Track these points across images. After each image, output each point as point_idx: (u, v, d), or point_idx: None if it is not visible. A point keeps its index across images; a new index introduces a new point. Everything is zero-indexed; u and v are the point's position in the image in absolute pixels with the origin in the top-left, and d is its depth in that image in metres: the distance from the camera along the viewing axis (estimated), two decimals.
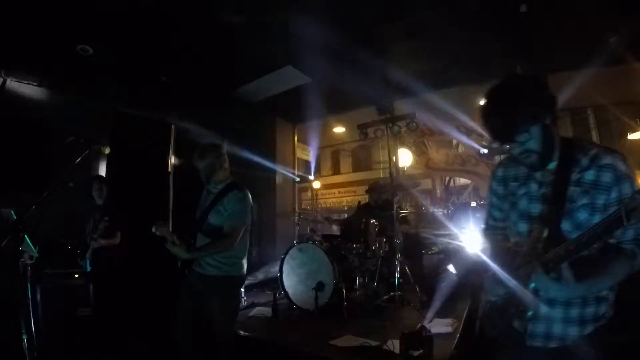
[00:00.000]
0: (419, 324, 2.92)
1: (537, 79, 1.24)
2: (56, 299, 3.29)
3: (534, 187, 1.31)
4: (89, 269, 3.44)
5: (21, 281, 2.46)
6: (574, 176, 1.20)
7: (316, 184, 8.86)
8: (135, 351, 3.19)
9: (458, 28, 4.21)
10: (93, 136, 4.39)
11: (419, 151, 7.32)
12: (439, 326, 3.08)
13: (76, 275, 3.60)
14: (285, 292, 4.23)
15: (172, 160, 5.56)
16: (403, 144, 7.02)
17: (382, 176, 11.28)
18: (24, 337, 2.33)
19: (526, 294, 1.20)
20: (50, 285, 3.31)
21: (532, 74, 1.26)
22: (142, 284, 3.86)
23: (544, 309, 1.21)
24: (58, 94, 4.34)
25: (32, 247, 2.49)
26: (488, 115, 1.25)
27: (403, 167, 7.52)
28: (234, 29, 4.13)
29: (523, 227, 1.32)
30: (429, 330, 2.69)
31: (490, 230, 1.56)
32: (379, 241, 4.46)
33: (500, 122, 1.21)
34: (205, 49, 4.51)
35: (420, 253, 4.93)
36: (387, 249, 4.50)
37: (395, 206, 4.59)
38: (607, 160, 1.16)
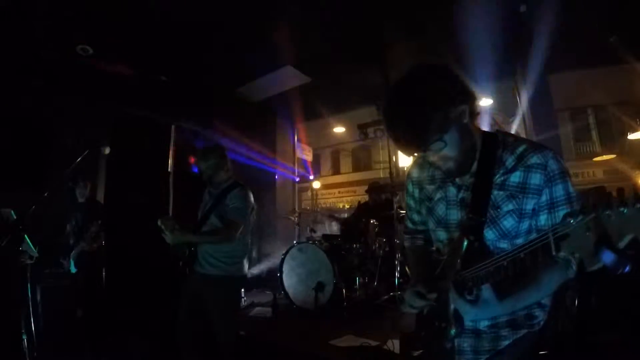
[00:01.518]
0: None
1: (445, 69, 1.00)
2: (56, 299, 3.29)
3: (452, 191, 1.13)
4: (73, 270, 3.43)
5: (21, 281, 2.46)
6: (498, 178, 1.03)
7: (316, 184, 8.86)
8: (133, 351, 3.19)
9: (458, 28, 4.21)
10: (93, 136, 4.41)
11: None
12: None
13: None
14: (285, 292, 4.23)
15: (172, 160, 5.56)
16: None
17: (382, 176, 11.30)
18: (24, 337, 2.33)
19: (447, 310, 1.04)
20: (50, 285, 3.31)
21: (438, 63, 1.01)
22: (141, 283, 3.85)
23: (469, 323, 1.03)
24: (58, 94, 4.34)
25: (32, 247, 2.49)
26: (390, 124, 1.01)
27: (403, 167, 7.50)
28: (234, 28, 4.14)
29: (442, 235, 1.17)
30: None
31: (410, 235, 1.41)
32: (379, 241, 4.47)
33: (405, 133, 0.97)
34: (206, 49, 4.51)
35: None
36: (387, 249, 4.50)
37: (395, 206, 4.59)
38: (535, 159, 1.00)
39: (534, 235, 0.94)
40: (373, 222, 4.49)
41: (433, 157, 1.04)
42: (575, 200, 0.98)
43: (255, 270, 5.60)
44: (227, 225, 2.20)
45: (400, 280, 4.24)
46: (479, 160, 1.06)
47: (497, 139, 1.07)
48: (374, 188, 5.33)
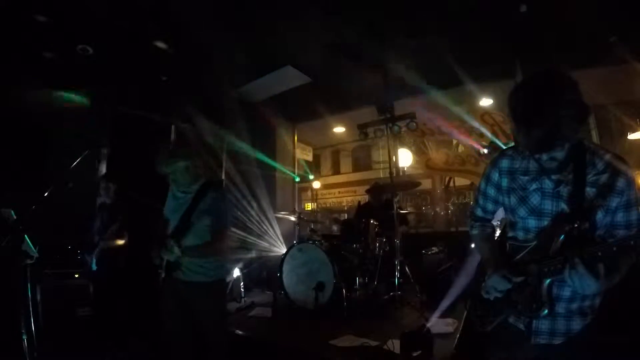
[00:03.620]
0: (420, 324, 2.92)
1: (578, 87, 1.15)
2: (56, 299, 3.29)
3: (548, 183, 1.27)
4: (94, 267, 3.45)
5: (21, 281, 2.46)
6: (590, 178, 1.21)
7: (316, 184, 8.86)
8: (135, 351, 3.18)
9: (458, 28, 4.20)
10: (93, 136, 4.42)
11: (419, 151, 7.34)
12: (439, 326, 3.08)
13: (76, 275, 3.60)
14: (285, 292, 4.23)
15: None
16: (403, 144, 7.01)
17: (382, 176, 11.30)
18: (24, 337, 2.32)
19: (539, 291, 1.20)
20: (50, 285, 3.31)
21: (572, 79, 1.15)
22: (141, 282, 3.85)
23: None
24: (58, 94, 4.34)
25: (32, 247, 2.49)
26: (526, 122, 1.16)
27: (403, 167, 7.51)
28: (233, 28, 4.13)
29: (532, 223, 1.30)
30: (429, 330, 2.69)
31: (480, 222, 1.54)
32: (379, 241, 4.47)
33: (542, 132, 1.12)
34: (206, 49, 4.51)
35: (420, 253, 4.93)
36: (387, 249, 4.50)
37: (395, 206, 4.59)
38: (620, 167, 1.21)
39: (604, 230, 1.21)
40: (373, 222, 4.49)
41: (545, 157, 1.21)
42: (639, 202, 1.21)
43: (255, 270, 5.59)
44: (216, 239, 2.12)
45: (400, 280, 4.23)
46: (574, 161, 1.23)
47: (585, 145, 1.25)
48: (374, 188, 5.33)
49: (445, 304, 3.52)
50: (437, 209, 11.24)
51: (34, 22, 3.61)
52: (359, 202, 6.00)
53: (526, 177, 1.32)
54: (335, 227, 5.84)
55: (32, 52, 3.97)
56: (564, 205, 1.23)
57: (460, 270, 4.07)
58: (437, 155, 6.92)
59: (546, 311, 1.20)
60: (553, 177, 1.26)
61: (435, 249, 4.97)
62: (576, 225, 1.17)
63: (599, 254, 1.08)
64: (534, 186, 1.30)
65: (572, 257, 1.12)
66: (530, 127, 1.14)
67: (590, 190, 1.20)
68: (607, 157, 1.23)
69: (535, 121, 1.13)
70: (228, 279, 2.31)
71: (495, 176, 1.42)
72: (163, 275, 2.13)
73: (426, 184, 11.02)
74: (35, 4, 3.42)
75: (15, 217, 2.47)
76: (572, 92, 1.13)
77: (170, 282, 2.14)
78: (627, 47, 4.25)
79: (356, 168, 16.85)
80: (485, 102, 6.08)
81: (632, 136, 7.51)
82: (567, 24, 4.02)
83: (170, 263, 2.11)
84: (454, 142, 7.46)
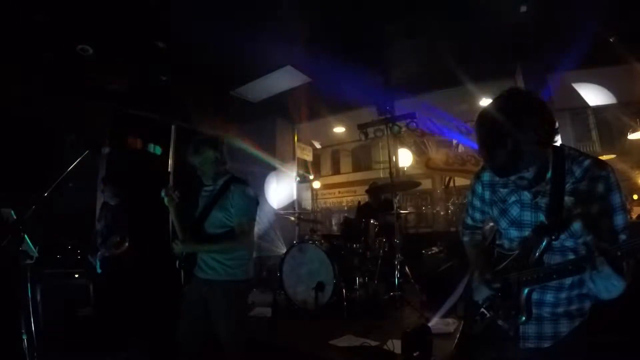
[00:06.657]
0: (420, 324, 2.92)
1: (544, 105, 1.14)
2: (56, 299, 3.29)
3: (527, 195, 1.27)
4: (99, 270, 3.44)
5: (21, 281, 2.46)
6: (569, 187, 1.19)
7: (316, 184, 8.84)
8: (137, 351, 3.18)
9: (458, 28, 4.20)
10: (93, 136, 4.42)
11: (419, 151, 7.32)
12: (439, 326, 3.08)
13: (76, 275, 3.60)
14: (285, 292, 4.23)
15: (172, 160, 5.58)
16: (403, 144, 7.01)
17: (382, 176, 11.31)
18: (24, 337, 2.32)
19: (518, 299, 1.21)
20: (50, 285, 3.31)
21: (538, 97, 1.16)
22: (141, 283, 3.86)
23: (534, 311, 1.22)
24: (58, 94, 4.34)
25: (32, 247, 2.49)
26: (489, 145, 1.15)
27: (403, 167, 7.51)
28: (234, 28, 4.13)
29: (514, 233, 1.32)
30: (429, 330, 2.68)
31: (470, 230, 1.58)
32: (379, 241, 4.46)
33: (503, 159, 1.12)
34: (206, 49, 4.50)
35: (420, 253, 4.93)
36: (387, 249, 4.49)
37: (395, 206, 4.59)
38: (599, 172, 1.17)
39: (586, 238, 1.16)
40: (373, 222, 4.49)
41: (513, 177, 1.19)
42: (625, 205, 1.18)
43: (255, 270, 5.59)
44: (239, 233, 2.04)
45: (400, 280, 4.23)
46: (552, 171, 1.21)
47: (564, 152, 1.23)
48: (374, 188, 5.33)
49: (445, 304, 3.52)
50: (437, 209, 11.24)
51: (34, 22, 3.61)
52: (359, 202, 6.00)
53: (506, 190, 1.34)
54: (335, 227, 5.83)
55: (32, 52, 3.96)
56: (542, 216, 1.23)
57: (461, 270, 4.08)
58: (437, 155, 6.92)
59: (523, 318, 1.20)
60: (533, 188, 1.25)
61: (435, 249, 4.96)
62: (554, 237, 1.16)
63: (631, 250, 1.01)
64: (513, 198, 1.31)
65: (594, 258, 1.03)
66: (492, 153, 1.14)
67: (568, 200, 1.18)
68: (586, 163, 1.19)
69: (495, 147, 1.12)
70: (250, 277, 2.21)
71: (478, 189, 1.44)
72: (183, 273, 2.14)
73: (426, 184, 11.02)
74: (35, 4, 3.41)
75: (15, 217, 2.47)
76: (533, 116, 1.10)
77: (192, 280, 2.14)
78: (627, 47, 4.26)
79: (356, 168, 16.85)
80: (485, 102, 6.08)
81: (632, 136, 7.52)
82: (567, 24, 4.02)
83: (189, 260, 2.10)
84: (454, 142, 7.45)
